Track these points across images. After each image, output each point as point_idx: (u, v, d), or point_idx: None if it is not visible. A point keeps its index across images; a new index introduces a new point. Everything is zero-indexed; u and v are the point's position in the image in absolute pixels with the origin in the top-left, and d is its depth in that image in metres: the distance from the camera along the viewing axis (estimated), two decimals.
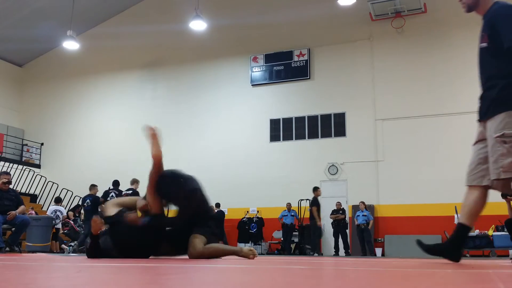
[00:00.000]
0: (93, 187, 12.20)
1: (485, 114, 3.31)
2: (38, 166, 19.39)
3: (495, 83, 3.21)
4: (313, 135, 16.13)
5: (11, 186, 8.18)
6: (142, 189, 5.95)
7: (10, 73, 20.26)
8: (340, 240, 13.76)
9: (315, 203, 13.10)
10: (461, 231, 3.41)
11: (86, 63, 19.44)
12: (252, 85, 17.20)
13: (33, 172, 18.36)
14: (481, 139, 3.39)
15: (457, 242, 3.45)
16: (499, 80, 3.19)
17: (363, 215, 13.45)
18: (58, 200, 13.56)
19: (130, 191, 11.43)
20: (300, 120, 16.35)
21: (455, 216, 11.54)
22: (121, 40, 18.96)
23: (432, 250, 3.52)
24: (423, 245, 3.57)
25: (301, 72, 16.59)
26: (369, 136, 15.23)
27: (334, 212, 13.98)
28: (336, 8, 15.60)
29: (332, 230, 14.15)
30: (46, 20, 17.97)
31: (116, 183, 12.07)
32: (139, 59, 18.79)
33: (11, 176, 8.36)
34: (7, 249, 7.73)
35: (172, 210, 4.70)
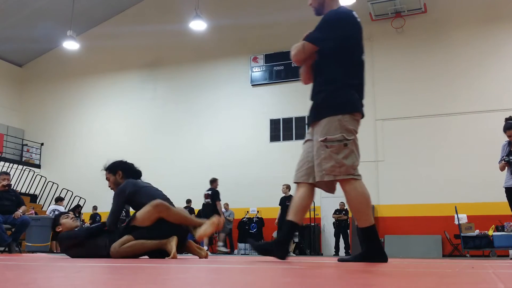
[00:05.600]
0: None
1: (312, 119, 3.41)
2: (38, 166, 19.39)
3: (322, 89, 3.35)
4: None
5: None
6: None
7: (10, 73, 20.27)
8: (341, 240, 13.78)
9: None
10: (289, 228, 3.40)
11: (86, 63, 19.45)
12: (252, 85, 17.20)
13: (33, 172, 18.37)
14: (310, 139, 3.47)
15: (284, 239, 3.43)
16: (325, 86, 3.33)
17: None
18: (58, 200, 13.57)
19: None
20: (300, 120, 16.35)
21: (455, 216, 11.54)
22: (121, 40, 18.97)
23: (260, 249, 3.49)
24: (253, 243, 3.59)
25: None
26: (369, 136, 15.21)
27: (336, 212, 13.99)
28: None
29: (333, 230, 14.18)
30: (46, 20, 17.98)
31: (211, 181, 12.07)
32: (139, 59, 18.79)
33: (10, 176, 8.34)
34: (7, 249, 7.72)
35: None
